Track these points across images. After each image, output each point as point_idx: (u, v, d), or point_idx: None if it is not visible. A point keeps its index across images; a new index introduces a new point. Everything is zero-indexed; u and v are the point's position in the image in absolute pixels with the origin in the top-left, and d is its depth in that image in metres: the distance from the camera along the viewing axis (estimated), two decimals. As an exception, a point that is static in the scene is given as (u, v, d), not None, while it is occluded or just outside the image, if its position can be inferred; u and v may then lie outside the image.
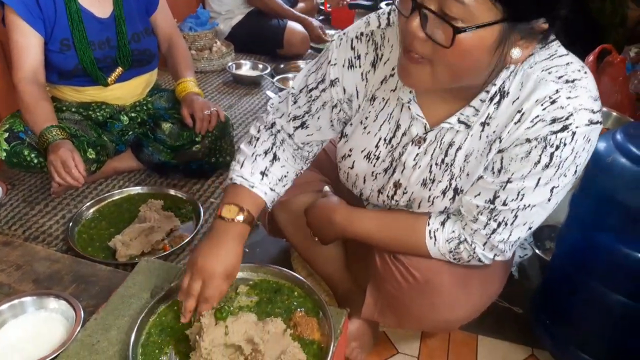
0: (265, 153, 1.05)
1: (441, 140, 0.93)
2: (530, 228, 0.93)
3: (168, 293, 1.05)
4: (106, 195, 1.73)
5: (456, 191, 0.95)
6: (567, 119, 0.80)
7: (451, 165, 0.94)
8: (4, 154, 1.57)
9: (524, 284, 1.47)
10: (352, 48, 0.97)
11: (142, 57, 1.75)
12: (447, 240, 0.97)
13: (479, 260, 0.97)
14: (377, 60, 0.96)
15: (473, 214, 0.93)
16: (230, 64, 2.84)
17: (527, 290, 1.43)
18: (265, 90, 2.66)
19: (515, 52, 0.76)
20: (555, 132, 0.81)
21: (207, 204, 1.76)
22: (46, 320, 1.13)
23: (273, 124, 1.08)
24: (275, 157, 1.06)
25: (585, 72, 0.84)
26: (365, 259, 1.13)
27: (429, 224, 0.99)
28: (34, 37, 1.56)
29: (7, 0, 1.51)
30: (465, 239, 0.96)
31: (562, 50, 0.85)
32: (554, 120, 0.81)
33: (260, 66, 2.86)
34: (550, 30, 0.76)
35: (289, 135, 1.07)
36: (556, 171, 0.84)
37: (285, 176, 1.07)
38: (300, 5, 3.47)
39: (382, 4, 3.58)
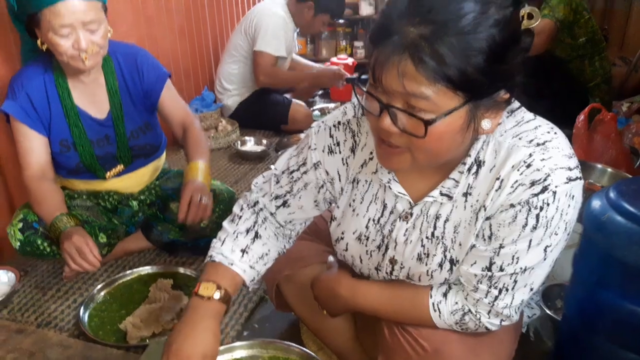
0: (247, 231, 1.08)
1: (427, 213, 0.96)
2: (531, 289, 0.94)
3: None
4: (116, 277, 1.75)
5: (452, 262, 0.96)
6: (545, 180, 0.83)
7: (442, 237, 0.96)
8: (18, 243, 1.62)
9: (539, 346, 1.45)
10: (331, 136, 1.03)
11: (142, 151, 1.79)
12: (451, 312, 0.97)
13: (486, 328, 0.97)
14: (355, 146, 1.02)
15: (473, 284, 0.94)
16: (235, 141, 2.95)
17: (543, 353, 1.40)
18: (270, 165, 2.74)
19: (486, 124, 0.81)
20: (537, 194, 0.83)
21: (216, 280, 1.78)
22: (58, 409, 1.12)
23: (256, 203, 1.12)
24: (257, 235, 1.09)
25: (555, 133, 0.88)
26: (374, 330, 1.13)
27: (431, 296, 0.99)
28: (37, 138, 1.62)
29: (5, 108, 1.59)
30: (470, 310, 0.96)
31: (529, 115, 0.90)
32: (533, 183, 0.83)
33: (265, 141, 2.96)
34: (512, 96, 0.82)
35: (271, 214, 1.11)
36: (545, 231, 0.86)
37: (266, 254, 1.10)
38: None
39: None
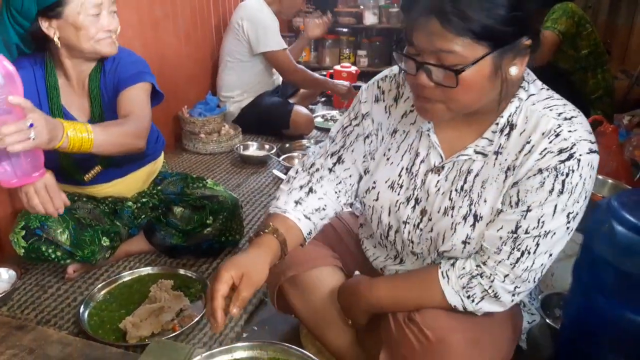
0: (301, 187, 1.16)
1: (460, 168, 1.04)
2: (551, 255, 0.98)
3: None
4: (117, 276, 1.75)
5: (476, 217, 1.01)
6: (571, 148, 0.91)
7: (470, 191, 1.02)
8: (22, 250, 1.62)
9: (537, 354, 1.45)
10: (379, 87, 1.15)
11: (123, 156, 1.68)
12: (459, 277, 1.01)
13: (495, 296, 0.99)
14: (399, 96, 1.12)
15: (497, 245, 0.98)
16: (237, 145, 2.96)
17: (540, 362, 1.40)
18: (272, 169, 2.75)
19: (513, 70, 0.90)
20: (563, 161, 0.92)
21: (216, 282, 1.78)
22: (57, 405, 1.12)
23: (312, 164, 1.20)
24: (311, 190, 1.16)
25: (579, 113, 0.97)
26: (378, 328, 1.14)
27: (440, 267, 1.04)
28: None
29: None
30: (479, 274, 1.00)
31: (558, 95, 1.00)
32: (560, 151, 0.92)
33: (267, 146, 2.97)
34: (535, 42, 0.90)
35: (329, 170, 1.19)
36: (570, 197, 0.93)
37: (323, 208, 1.16)
38: (303, 91, 3.63)
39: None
